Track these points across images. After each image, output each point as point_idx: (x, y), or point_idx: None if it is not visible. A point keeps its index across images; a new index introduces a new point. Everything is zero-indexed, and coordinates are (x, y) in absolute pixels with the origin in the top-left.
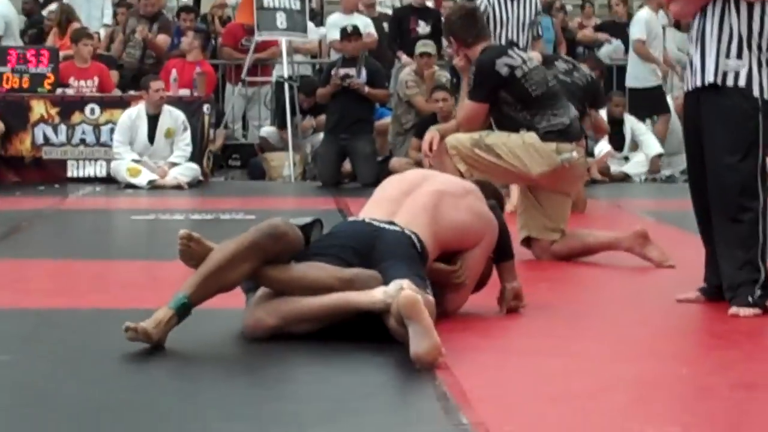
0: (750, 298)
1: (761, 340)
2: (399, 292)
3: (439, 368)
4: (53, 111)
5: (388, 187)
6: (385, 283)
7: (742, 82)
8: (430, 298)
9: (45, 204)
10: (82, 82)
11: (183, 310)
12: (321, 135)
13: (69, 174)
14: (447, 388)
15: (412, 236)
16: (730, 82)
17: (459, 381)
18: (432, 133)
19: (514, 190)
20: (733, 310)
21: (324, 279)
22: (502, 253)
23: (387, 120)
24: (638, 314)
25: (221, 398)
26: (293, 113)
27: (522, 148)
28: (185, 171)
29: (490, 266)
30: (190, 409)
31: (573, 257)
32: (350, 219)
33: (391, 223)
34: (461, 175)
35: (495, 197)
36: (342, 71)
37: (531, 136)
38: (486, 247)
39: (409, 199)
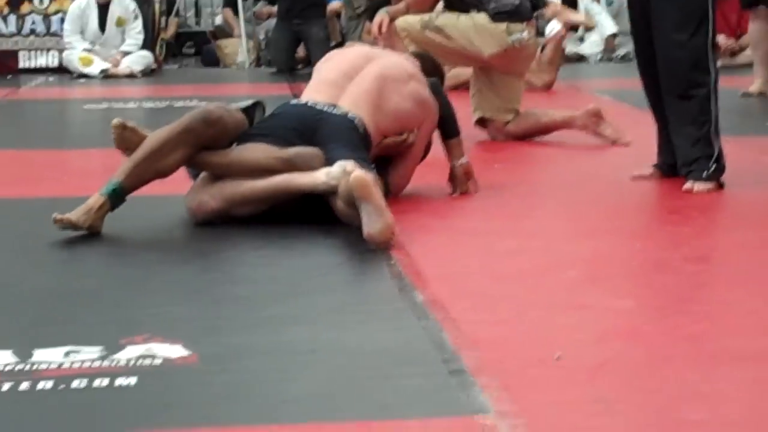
0: (704, 173)
1: (714, 214)
2: (343, 173)
3: (393, 248)
4: (1, 1)
5: (331, 67)
6: (329, 164)
7: None
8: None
9: None
10: None
11: (115, 196)
12: (273, 21)
13: (21, 65)
14: (401, 268)
15: (355, 120)
16: None
17: (413, 261)
18: (381, 16)
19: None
20: (688, 185)
21: (264, 160)
22: (447, 130)
23: (338, 4)
24: (592, 192)
25: (173, 283)
26: None
27: (472, 29)
28: (138, 59)
29: (429, 142)
30: (141, 295)
31: (527, 137)
32: (292, 102)
33: (334, 106)
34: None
35: (436, 71)
36: None
37: (481, 17)
38: (426, 131)
39: (352, 84)
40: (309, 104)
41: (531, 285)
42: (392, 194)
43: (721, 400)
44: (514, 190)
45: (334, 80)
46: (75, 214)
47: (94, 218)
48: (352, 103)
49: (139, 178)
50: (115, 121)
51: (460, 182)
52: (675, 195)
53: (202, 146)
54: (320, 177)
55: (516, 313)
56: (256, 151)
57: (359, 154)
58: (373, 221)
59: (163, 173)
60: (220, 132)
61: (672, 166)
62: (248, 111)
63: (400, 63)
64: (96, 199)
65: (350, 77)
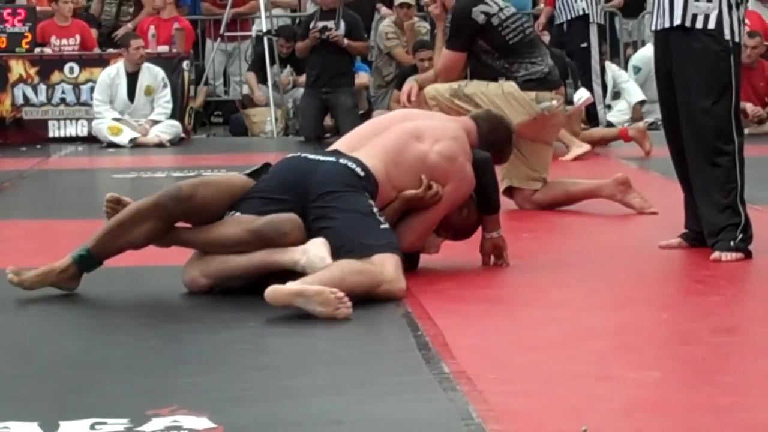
0: (732, 243)
1: (742, 284)
2: (320, 267)
3: (420, 318)
4: (32, 71)
5: (365, 124)
6: (310, 227)
7: (711, 25)
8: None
9: (27, 165)
10: (64, 41)
11: (82, 261)
12: (302, 90)
13: (50, 134)
14: (428, 338)
15: (349, 163)
16: (699, 24)
17: (441, 331)
18: (410, 84)
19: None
20: (716, 255)
21: (233, 235)
22: (483, 204)
23: (366, 76)
24: (620, 261)
25: (199, 353)
26: (272, 64)
27: (501, 97)
28: (166, 128)
29: (475, 220)
30: (167, 365)
31: (555, 206)
32: (289, 155)
33: (334, 152)
34: None
35: (497, 130)
36: (320, 24)
37: (510, 85)
38: (450, 197)
39: (376, 138)
40: (302, 156)
41: (558, 355)
42: (403, 249)
43: None
44: (541, 259)
45: (358, 134)
46: (28, 274)
47: (56, 279)
48: (367, 154)
49: (109, 245)
50: (109, 195)
51: (486, 255)
52: (702, 264)
53: (177, 221)
54: (298, 260)
55: (543, 384)
56: (227, 227)
57: (358, 208)
58: (311, 306)
59: (134, 245)
60: (196, 207)
61: (699, 234)
62: (257, 174)
63: (441, 126)
64: (62, 262)
65: (377, 133)
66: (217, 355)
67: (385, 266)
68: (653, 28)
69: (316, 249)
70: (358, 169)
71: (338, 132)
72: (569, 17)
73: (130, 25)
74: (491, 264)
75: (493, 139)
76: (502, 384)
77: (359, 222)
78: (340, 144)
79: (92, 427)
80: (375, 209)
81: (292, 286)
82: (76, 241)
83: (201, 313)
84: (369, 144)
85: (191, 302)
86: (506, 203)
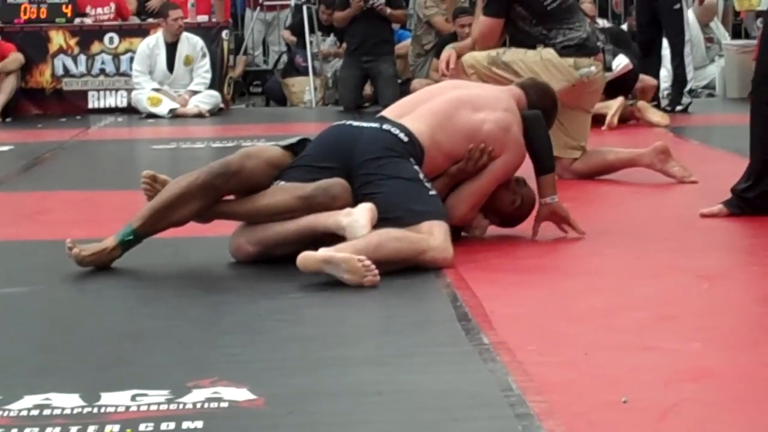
0: None
1: None
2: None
3: (460, 289)
4: (72, 41)
5: (414, 94)
6: (357, 194)
7: None
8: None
9: (67, 136)
10: (99, 10)
11: (128, 243)
12: (341, 60)
13: (90, 105)
14: (468, 309)
15: (392, 128)
16: None
17: (480, 301)
18: (448, 52)
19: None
20: None
21: (283, 202)
22: (537, 165)
23: (407, 42)
24: (660, 231)
25: (240, 324)
26: (312, 32)
27: (539, 64)
28: (206, 99)
29: (525, 212)
30: (208, 336)
31: (594, 175)
32: (334, 123)
33: (379, 118)
34: None
35: (545, 99)
36: None
37: (548, 52)
38: (504, 164)
39: (423, 106)
40: (347, 123)
41: (599, 325)
42: (451, 220)
43: None
44: (582, 228)
45: (407, 102)
46: (88, 251)
47: (105, 260)
48: (414, 119)
49: (153, 226)
50: (146, 172)
51: (539, 222)
52: (744, 234)
53: (225, 196)
54: (341, 222)
55: (583, 354)
56: (276, 195)
57: (403, 174)
58: (340, 273)
59: (177, 223)
60: (245, 180)
61: (744, 200)
62: (294, 147)
63: (494, 95)
64: (109, 242)
65: (425, 101)
66: (257, 327)
67: (434, 234)
68: None
69: (360, 214)
70: (402, 135)
71: (377, 101)
72: None
73: None
74: (564, 234)
75: (541, 107)
76: (542, 355)
77: (406, 188)
78: (387, 112)
79: (133, 398)
80: (422, 175)
81: (321, 252)
82: (115, 212)
83: (241, 285)
84: (416, 110)
85: (231, 273)
86: None
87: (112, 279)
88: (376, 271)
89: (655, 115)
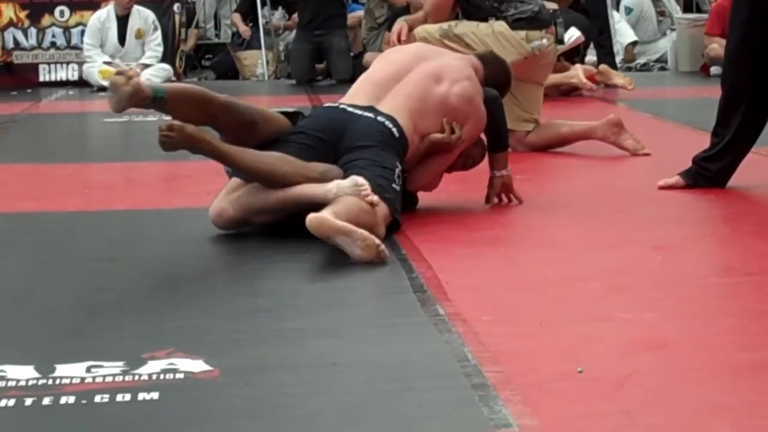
0: None
1: (738, 225)
2: (353, 190)
3: (415, 260)
4: (22, 14)
5: (381, 66)
6: (346, 175)
7: None
8: (371, 202)
9: (18, 109)
10: None
11: (158, 101)
12: (293, 33)
13: (41, 78)
14: (423, 281)
15: (387, 122)
16: None
17: (435, 273)
18: (400, 24)
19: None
20: None
21: (292, 176)
22: (494, 142)
23: (359, 14)
24: (614, 203)
25: (195, 296)
26: (264, 5)
27: (491, 37)
28: (157, 72)
29: (481, 150)
30: (163, 309)
31: (548, 148)
32: (326, 105)
33: (370, 108)
34: None
35: (502, 73)
36: None
37: (500, 25)
38: (469, 131)
39: (397, 85)
40: (341, 108)
41: (553, 296)
42: (412, 189)
43: (747, 412)
44: (535, 201)
45: (379, 81)
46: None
47: (140, 101)
48: (393, 106)
49: (178, 105)
50: (163, 125)
51: (494, 192)
52: (697, 206)
53: (259, 141)
54: (331, 189)
55: (538, 325)
56: (286, 165)
57: (380, 161)
58: (352, 247)
59: (214, 120)
60: (272, 132)
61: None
62: (290, 117)
63: (456, 64)
64: (146, 88)
65: (397, 79)
66: (212, 298)
67: (378, 214)
68: None
69: (347, 186)
70: (394, 130)
71: (329, 75)
72: None
73: None
74: (502, 203)
75: (496, 81)
76: (497, 325)
77: (380, 173)
78: (360, 89)
79: (88, 369)
80: (398, 170)
81: (340, 222)
82: (67, 185)
83: (196, 256)
84: (394, 93)
85: (186, 246)
86: None
87: (66, 251)
88: (386, 252)
89: (618, 78)
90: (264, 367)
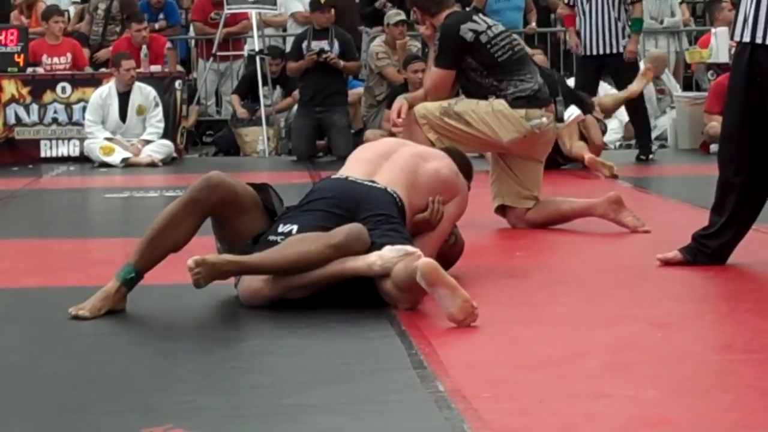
0: None
1: (737, 302)
2: (401, 257)
3: (414, 336)
4: (24, 90)
5: (366, 148)
6: (373, 241)
7: None
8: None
9: (19, 184)
10: (56, 59)
11: (130, 281)
12: (294, 109)
13: (42, 154)
14: (423, 357)
15: (394, 195)
16: None
17: (435, 349)
18: (400, 102)
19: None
20: None
21: (316, 252)
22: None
23: (359, 91)
24: (614, 279)
25: (195, 372)
26: (265, 84)
27: (491, 115)
28: (159, 148)
29: (459, 250)
30: (163, 384)
31: (548, 224)
32: (333, 176)
33: (372, 182)
34: (432, 144)
35: (465, 167)
36: (315, 45)
37: (500, 103)
38: (457, 206)
39: (387, 162)
40: (350, 179)
41: (553, 373)
42: None
43: None
44: (535, 277)
45: (370, 158)
46: (90, 304)
47: (113, 302)
48: (389, 180)
49: (152, 256)
50: (190, 262)
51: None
52: (697, 283)
53: (213, 212)
54: (375, 261)
55: (538, 402)
56: (304, 244)
57: (402, 233)
58: (450, 302)
59: (173, 248)
60: (227, 194)
61: (704, 247)
62: (257, 189)
63: (431, 149)
64: (112, 284)
65: (386, 157)
66: (211, 374)
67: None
68: (736, 39)
69: (388, 250)
70: (398, 201)
71: (330, 152)
72: None
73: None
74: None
75: (462, 172)
76: (497, 402)
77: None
78: (352, 169)
79: None
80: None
81: (450, 277)
82: (67, 260)
83: (194, 332)
84: (386, 168)
85: (184, 321)
86: (499, 222)
87: (63, 326)
88: (477, 314)
89: (604, 169)
90: None
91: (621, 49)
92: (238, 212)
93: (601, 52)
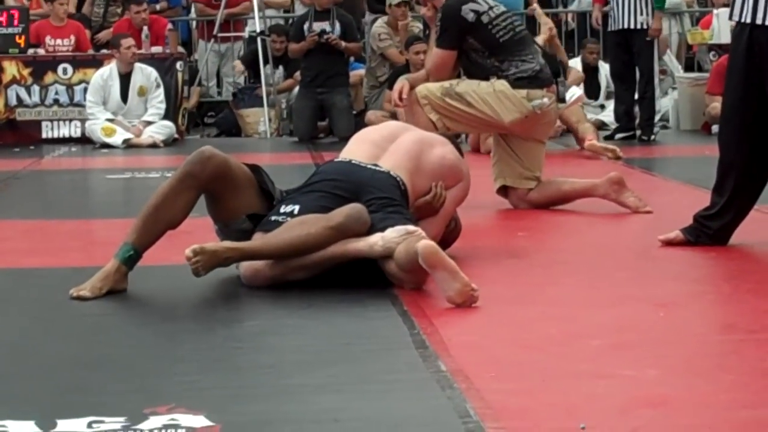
0: None
1: (739, 283)
2: (403, 237)
3: (416, 316)
4: (25, 72)
5: (370, 131)
6: (375, 223)
7: None
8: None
9: (20, 166)
10: (59, 41)
11: (131, 260)
12: (295, 90)
13: (43, 135)
14: (425, 337)
15: (398, 179)
16: None
17: (437, 329)
18: (402, 83)
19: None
20: None
21: (316, 234)
22: None
23: (360, 72)
24: (616, 260)
25: (197, 352)
26: (266, 64)
27: (492, 95)
28: (160, 129)
29: (455, 235)
30: (165, 364)
31: (549, 205)
32: (336, 159)
33: (376, 165)
34: (433, 124)
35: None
36: (316, 26)
37: (501, 84)
38: (461, 190)
39: (392, 146)
40: (353, 161)
41: (555, 353)
42: None
43: None
44: (537, 257)
45: (374, 141)
46: (90, 284)
47: (114, 281)
48: (393, 163)
49: (149, 234)
50: (188, 252)
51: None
52: (699, 263)
53: (208, 186)
54: (377, 242)
55: (540, 382)
56: (304, 227)
57: (405, 214)
58: (449, 285)
59: (173, 224)
60: (220, 167)
61: (706, 227)
62: (251, 170)
63: (434, 134)
64: (112, 264)
65: (390, 141)
66: (213, 354)
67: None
68: (735, 19)
69: (390, 230)
70: (401, 186)
71: (332, 133)
72: None
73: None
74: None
75: None
76: (499, 382)
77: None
78: (355, 149)
79: (89, 425)
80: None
81: (450, 260)
82: (69, 241)
83: (197, 313)
84: (391, 151)
85: (186, 302)
86: (501, 202)
87: (67, 307)
88: (476, 298)
89: (607, 152)
90: (265, 423)
91: (639, 25)
92: (231, 188)
93: (626, 26)
